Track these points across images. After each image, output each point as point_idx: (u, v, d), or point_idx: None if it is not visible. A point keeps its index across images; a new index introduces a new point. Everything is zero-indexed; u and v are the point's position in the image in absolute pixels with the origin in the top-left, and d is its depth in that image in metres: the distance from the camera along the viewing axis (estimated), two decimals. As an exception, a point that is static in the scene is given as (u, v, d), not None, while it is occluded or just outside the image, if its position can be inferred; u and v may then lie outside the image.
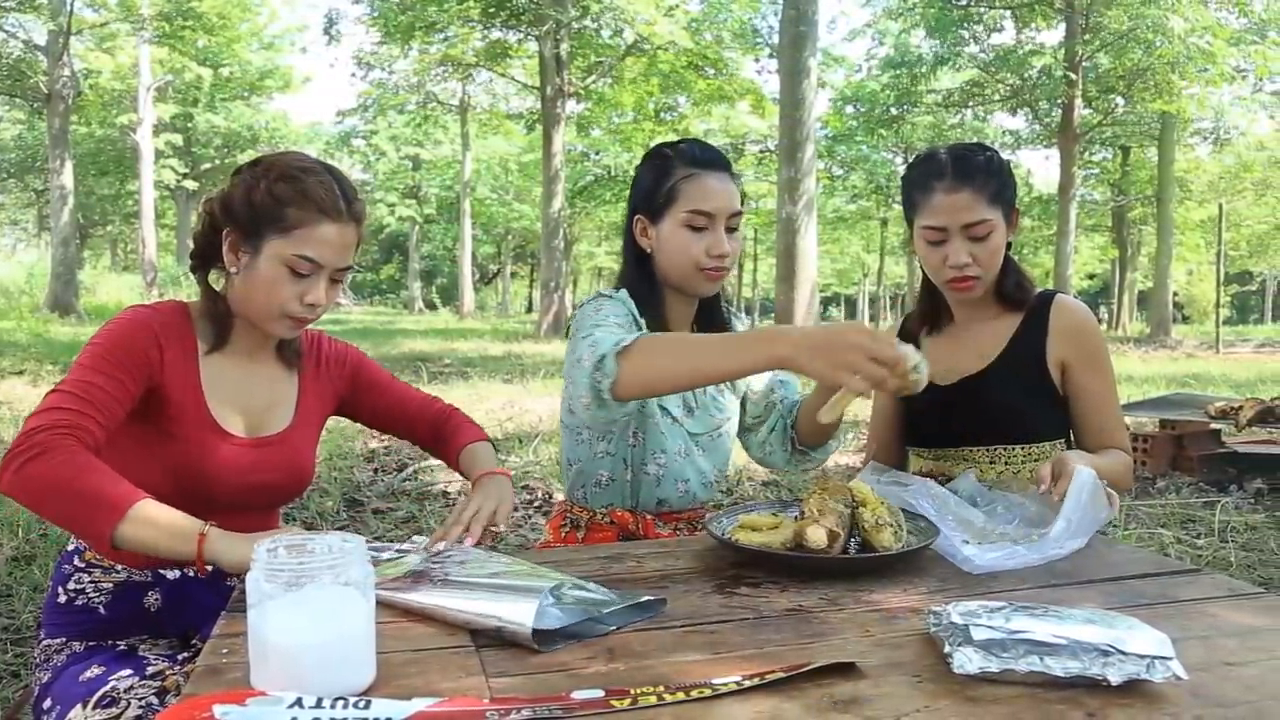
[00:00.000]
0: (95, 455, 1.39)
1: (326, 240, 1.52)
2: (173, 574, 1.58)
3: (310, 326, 1.65)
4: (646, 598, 1.22)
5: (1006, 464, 1.91)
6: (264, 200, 1.50)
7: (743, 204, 1.85)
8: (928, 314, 2.06)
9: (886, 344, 1.30)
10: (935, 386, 1.98)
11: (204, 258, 1.61)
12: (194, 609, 1.59)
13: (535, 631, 1.07)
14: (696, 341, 1.51)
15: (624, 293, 1.85)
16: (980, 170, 1.84)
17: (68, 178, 20.29)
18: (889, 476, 1.70)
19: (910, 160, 2.14)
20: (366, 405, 1.85)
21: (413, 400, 1.89)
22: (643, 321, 1.82)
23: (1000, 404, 1.89)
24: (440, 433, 1.87)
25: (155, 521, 1.34)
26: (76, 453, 1.36)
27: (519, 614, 1.09)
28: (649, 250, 1.86)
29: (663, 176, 1.82)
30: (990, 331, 1.96)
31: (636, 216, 1.87)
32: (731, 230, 1.82)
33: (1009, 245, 1.95)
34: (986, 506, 1.64)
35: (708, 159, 1.83)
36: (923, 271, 2.01)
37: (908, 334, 2.10)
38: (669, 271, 1.84)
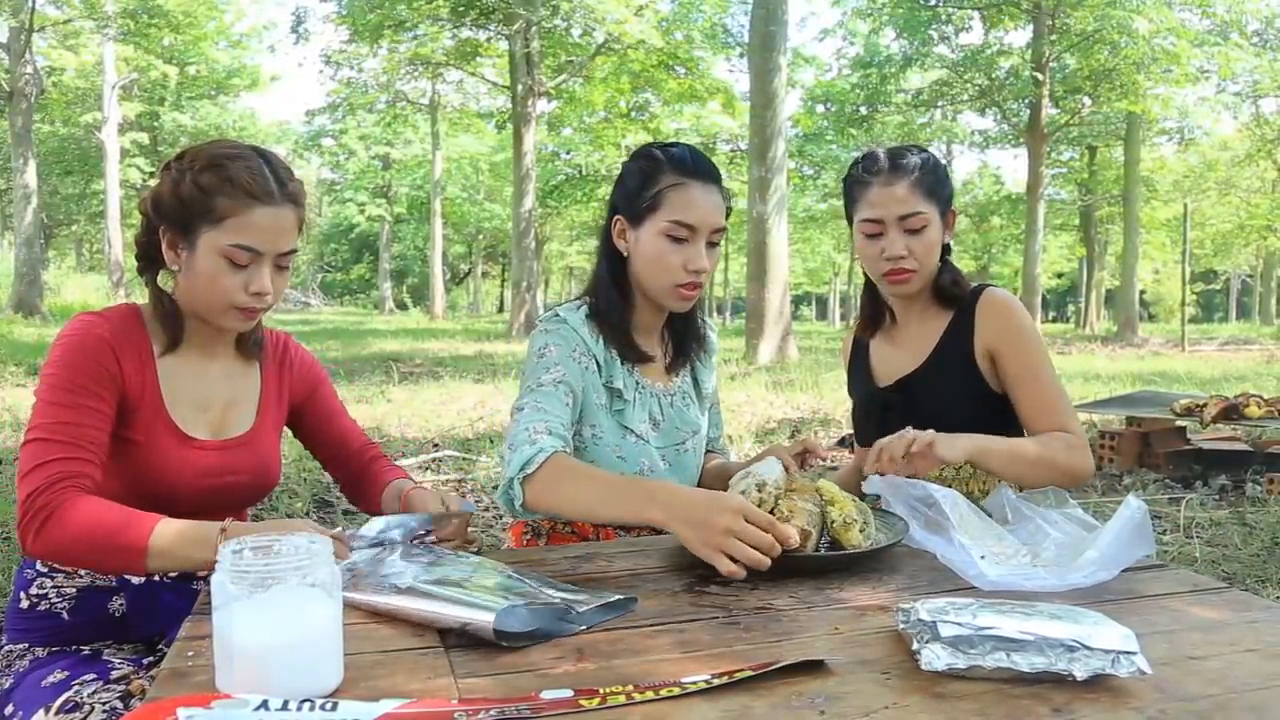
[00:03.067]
0: (96, 494, 1.40)
1: (261, 225, 1.48)
2: (138, 579, 1.56)
3: (281, 329, 1.63)
4: (616, 597, 1.22)
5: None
6: (191, 192, 1.47)
7: (728, 217, 1.79)
8: (869, 318, 2.09)
9: (759, 522, 1.29)
10: (876, 388, 2.02)
11: (149, 259, 1.58)
12: (160, 614, 1.57)
13: (501, 632, 1.07)
14: (590, 481, 1.51)
15: (580, 314, 1.79)
16: (916, 167, 1.89)
17: (31, 177, 19.98)
18: (908, 486, 1.57)
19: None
20: (314, 427, 1.83)
21: (354, 440, 1.86)
22: (597, 345, 1.77)
23: (932, 402, 1.88)
24: (367, 471, 1.83)
25: (174, 548, 1.35)
26: (80, 503, 1.36)
27: (483, 614, 1.08)
28: (625, 253, 1.80)
29: (649, 180, 1.74)
30: (925, 331, 1.97)
31: (616, 217, 1.81)
32: (712, 245, 1.77)
33: (948, 249, 1.98)
34: (1016, 525, 1.52)
35: (698, 169, 1.75)
36: (865, 275, 2.03)
37: (857, 344, 2.13)
38: (642, 279, 1.79)
